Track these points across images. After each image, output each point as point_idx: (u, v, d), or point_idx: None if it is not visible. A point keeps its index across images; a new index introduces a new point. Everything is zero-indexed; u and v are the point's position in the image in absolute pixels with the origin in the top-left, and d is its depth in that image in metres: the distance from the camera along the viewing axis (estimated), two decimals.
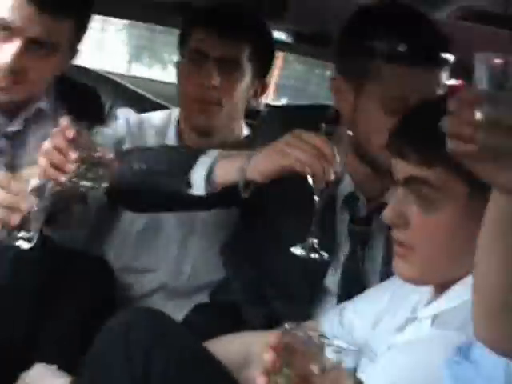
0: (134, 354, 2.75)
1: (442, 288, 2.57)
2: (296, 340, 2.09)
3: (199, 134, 3.66)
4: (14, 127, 3.43)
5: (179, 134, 3.73)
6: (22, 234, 2.80)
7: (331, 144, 2.82)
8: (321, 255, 2.90)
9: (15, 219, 2.77)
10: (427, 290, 2.62)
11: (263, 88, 3.81)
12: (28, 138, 3.41)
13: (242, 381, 2.81)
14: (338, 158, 2.83)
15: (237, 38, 3.59)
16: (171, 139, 3.76)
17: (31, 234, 2.80)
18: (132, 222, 3.69)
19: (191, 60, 3.63)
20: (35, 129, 3.43)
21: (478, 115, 1.78)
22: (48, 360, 2.89)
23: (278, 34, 4.62)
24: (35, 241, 2.83)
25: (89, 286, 3.30)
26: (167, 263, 3.68)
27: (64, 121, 2.88)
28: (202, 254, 3.65)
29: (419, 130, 2.57)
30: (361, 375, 2.42)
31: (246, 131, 3.89)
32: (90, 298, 3.20)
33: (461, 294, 2.51)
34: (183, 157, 3.19)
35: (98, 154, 2.85)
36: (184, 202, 3.24)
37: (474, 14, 3.49)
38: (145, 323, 2.89)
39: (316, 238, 2.86)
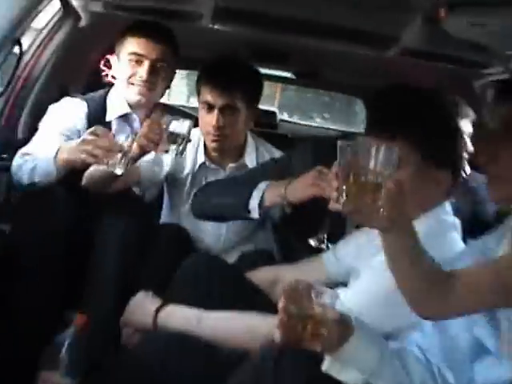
0: (201, 280, 2.98)
1: None
2: (302, 287, 2.18)
3: (216, 151, 3.78)
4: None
5: (205, 149, 3.81)
6: (116, 165, 3.16)
7: None
8: (328, 246, 3.04)
9: (112, 156, 3.14)
10: None
11: (256, 113, 3.85)
12: None
13: (271, 295, 2.96)
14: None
15: (233, 90, 3.62)
16: (201, 153, 3.81)
17: (121, 166, 3.15)
18: (182, 204, 3.84)
19: (203, 107, 3.66)
20: None
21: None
22: (147, 290, 2.99)
23: (281, 72, 4.79)
24: (123, 171, 3.17)
25: (178, 245, 3.53)
26: (208, 233, 3.77)
27: (157, 113, 3.38)
28: (230, 226, 3.74)
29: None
30: (349, 290, 2.64)
31: (251, 144, 3.90)
32: (177, 254, 3.32)
33: (416, 229, 2.34)
34: (241, 191, 3.28)
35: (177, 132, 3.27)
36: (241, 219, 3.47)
37: (411, 52, 3.65)
38: (207, 260, 3.15)
39: (325, 233, 2.99)
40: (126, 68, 3.65)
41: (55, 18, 3.77)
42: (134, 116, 3.77)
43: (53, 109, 3.65)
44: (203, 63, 3.76)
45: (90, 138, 3.17)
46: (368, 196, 1.97)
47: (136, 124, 3.76)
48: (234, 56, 3.81)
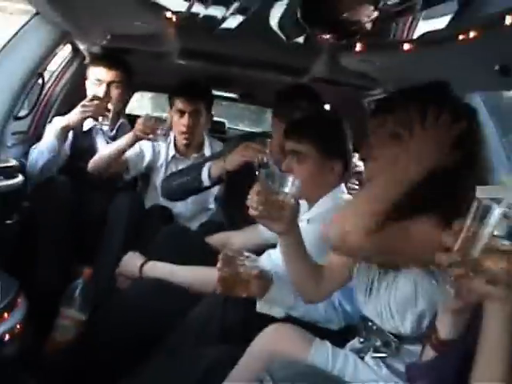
0: (172, 244, 3.13)
1: (312, 202, 2.74)
2: (233, 254, 2.36)
3: (184, 146, 3.84)
4: (113, 133, 3.84)
5: (175, 145, 3.86)
6: (103, 123, 3.55)
7: (261, 150, 3.11)
8: None
9: (102, 114, 3.49)
10: (304, 204, 2.72)
11: (211, 117, 3.93)
12: (118, 137, 3.75)
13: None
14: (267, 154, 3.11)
15: (199, 101, 3.74)
16: (172, 148, 3.85)
17: (107, 124, 3.61)
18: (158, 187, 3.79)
19: (176, 113, 3.73)
20: (121, 132, 3.80)
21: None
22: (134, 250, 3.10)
23: (225, 93, 4.85)
24: (108, 127, 3.70)
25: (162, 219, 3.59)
26: (179, 207, 3.76)
27: (147, 115, 3.51)
28: (195, 201, 3.74)
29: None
30: (277, 250, 2.62)
31: (207, 140, 3.95)
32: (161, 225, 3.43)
33: (322, 206, 2.71)
34: (195, 171, 3.39)
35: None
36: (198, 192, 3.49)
37: (319, 79, 3.70)
38: (176, 229, 3.34)
39: None
40: (91, 89, 3.68)
41: (67, 59, 3.83)
42: (104, 123, 3.74)
43: (48, 126, 3.65)
44: (177, 84, 3.80)
45: (90, 102, 3.43)
46: (275, 208, 2.14)
47: (106, 129, 3.82)
48: (196, 79, 3.85)
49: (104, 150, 3.65)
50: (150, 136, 3.47)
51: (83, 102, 3.47)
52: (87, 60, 3.86)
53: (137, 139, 3.52)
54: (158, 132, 3.46)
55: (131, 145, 3.57)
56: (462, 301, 1.51)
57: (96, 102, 3.48)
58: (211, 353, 2.27)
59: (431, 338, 1.65)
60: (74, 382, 2.56)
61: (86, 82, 3.73)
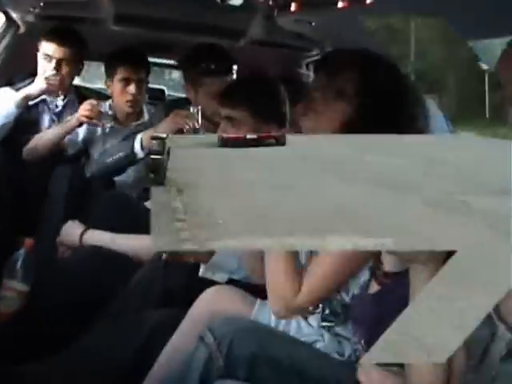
0: (112, 211, 3.11)
1: None
2: None
3: (126, 115, 3.71)
4: (59, 109, 3.72)
5: (115, 115, 3.71)
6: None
7: (192, 117, 3.11)
8: None
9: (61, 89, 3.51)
10: None
11: (147, 87, 3.83)
12: (65, 113, 3.67)
13: None
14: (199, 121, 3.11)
15: (143, 69, 3.66)
16: None
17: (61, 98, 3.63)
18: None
19: (122, 81, 3.60)
20: (68, 108, 3.70)
21: None
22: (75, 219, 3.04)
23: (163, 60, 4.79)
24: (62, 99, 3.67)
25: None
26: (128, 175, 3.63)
27: (91, 101, 3.38)
28: (135, 168, 3.52)
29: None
30: None
31: (145, 108, 3.84)
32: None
33: None
34: (126, 145, 3.36)
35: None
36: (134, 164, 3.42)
37: (256, 42, 3.69)
38: (116, 197, 3.31)
39: None
40: (41, 64, 3.54)
41: (0, 29, 3.71)
42: (51, 99, 3.70)
43: None
44: (116, 51, 3.68)
45: (54, 77, 3.44)
46: None
47: (52, 106, 3.71)
48: (135, 46, 3.76)
49: (42, 137, 3.53)
50: (95, 121, 3.40)
51: (46, 75, 3.42)
52: (21, 30, 3.75)
53: (79, 125, 3.43)
54: (103, 116, 3.42)
55: (72, 131, 3.48)
56: None
57: (58, 77, 3.44)
58: (153, 317, 2.25)
59: (376, 271, 1.65)
60: (19, 353, 2.48)
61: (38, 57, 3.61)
